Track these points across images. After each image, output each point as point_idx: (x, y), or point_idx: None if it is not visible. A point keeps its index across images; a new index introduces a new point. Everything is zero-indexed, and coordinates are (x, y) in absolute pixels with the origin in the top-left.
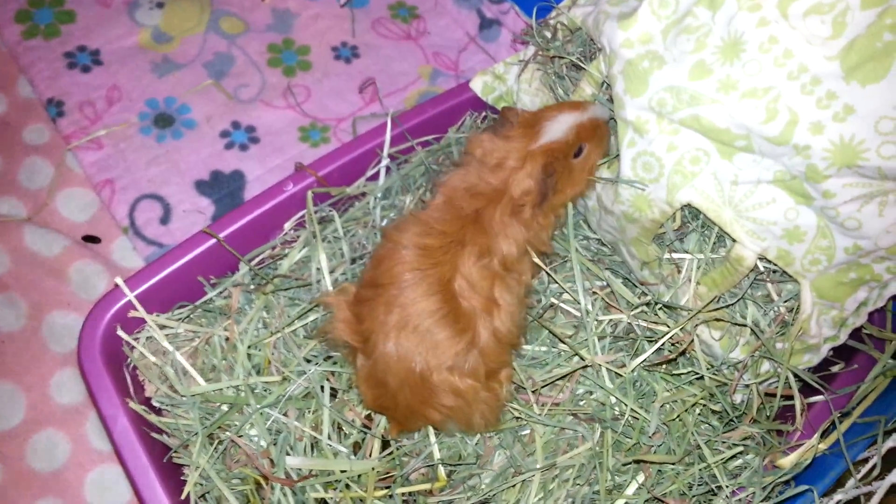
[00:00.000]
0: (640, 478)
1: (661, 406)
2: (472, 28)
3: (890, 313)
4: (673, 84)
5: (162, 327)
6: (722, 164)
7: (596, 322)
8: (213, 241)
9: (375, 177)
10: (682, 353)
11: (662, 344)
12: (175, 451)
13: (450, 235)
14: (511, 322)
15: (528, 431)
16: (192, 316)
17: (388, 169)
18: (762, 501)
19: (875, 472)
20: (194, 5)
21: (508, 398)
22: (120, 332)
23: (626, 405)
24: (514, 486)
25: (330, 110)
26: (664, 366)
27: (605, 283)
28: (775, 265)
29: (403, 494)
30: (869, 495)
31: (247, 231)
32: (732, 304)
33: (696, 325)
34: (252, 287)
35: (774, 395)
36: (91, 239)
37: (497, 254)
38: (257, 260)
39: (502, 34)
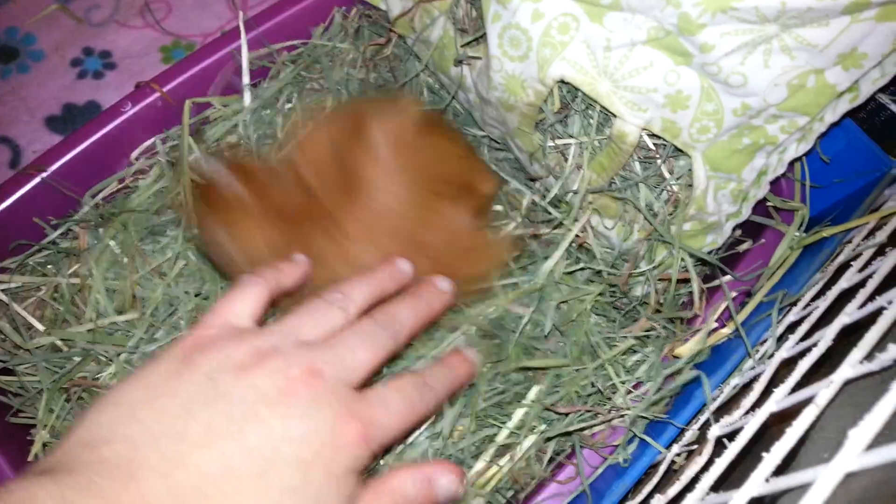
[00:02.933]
0: (536, 389)
1: (558, 306)
2: None
3: (798, 182)
4: None
5: None
6: (592, 29)
7: None
8: (46, 175)
9: (230, 91)
10: (574, 246)
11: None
12: (20, 409)
13: None
14: None
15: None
16: (32, 263)
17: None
18: (657, 393)
19: (770, 352)
20: None
21: None
22: None
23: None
24: None
25: (195, 25)
26: (562, 265)
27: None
28: (662, 139)
29: None
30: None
31: (84, 163)
32: (620, 189)
33: (585, 216)
34: (100, 221)
35: (670, 281)
36: None
37: None
38: (105, 194)
39: None
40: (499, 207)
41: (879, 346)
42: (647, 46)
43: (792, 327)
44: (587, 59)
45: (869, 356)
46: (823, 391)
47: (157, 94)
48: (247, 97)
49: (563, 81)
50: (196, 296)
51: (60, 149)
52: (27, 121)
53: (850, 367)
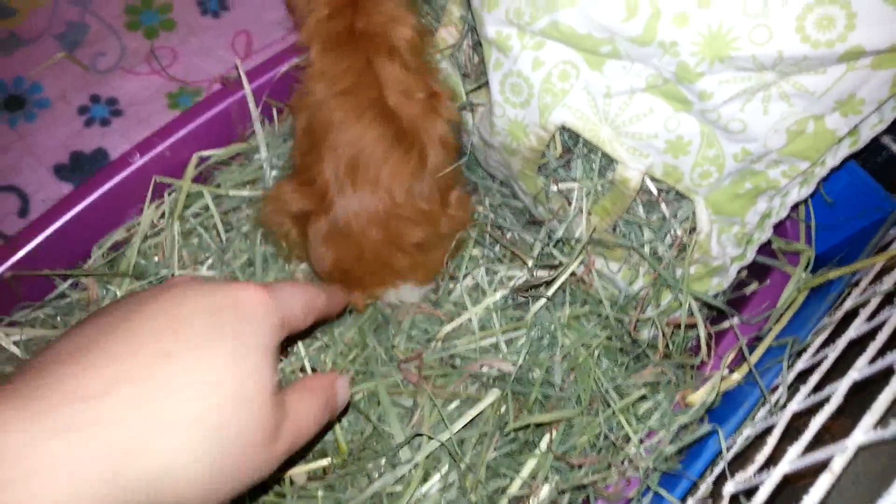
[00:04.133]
0: (547, 437)
1: (564, 357)
2: None
3: (802, 223)
4: None
5: (7, 334)
6: (592, 76)
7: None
8: (55, 227)
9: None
10: (580, 290)
11: (561, 285)
12: None
13: (352, 62)
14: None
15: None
16: (42, 315)
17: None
18: (670, 444)
19: (782, 401)
20: None
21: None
22: None
23: (528, 364)
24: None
25: (200, 71)
26: (566, 309)
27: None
28: (665, 183)
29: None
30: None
31: (93, 214)
32: (631, 246)
33: (589, 258)
34: (108, 272)
35: (679, 326)
36: None
37: (399, 45)
38: (113, 243)
39: None
40: (498, 249)
41: (893, 409)
42: (647, 93)
43: (802, 375)
44: (588, 105)
45: (882, 420)
46: (838, 458)
47: (165, 145)
48: (259, 132)
49: (564, 127)
50: None
51: (70, 200)
52: (35, 169)
53: (863, 433)
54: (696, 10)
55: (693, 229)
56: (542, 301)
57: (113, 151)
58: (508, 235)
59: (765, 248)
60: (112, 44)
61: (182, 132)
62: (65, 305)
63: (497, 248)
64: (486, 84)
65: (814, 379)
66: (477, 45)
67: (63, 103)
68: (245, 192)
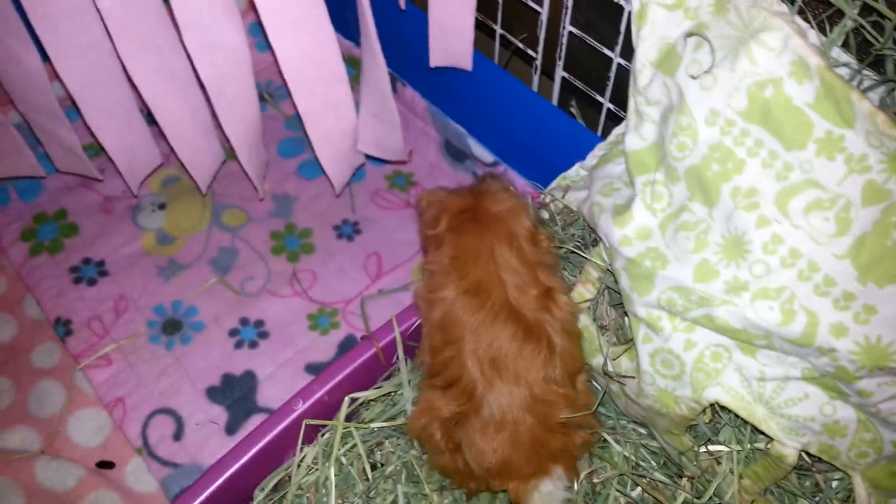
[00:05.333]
0: None
1: None
2: None
3: None
4: (679, 284)
5: None
6: (745, 361)
7: None
8: (222, 479)
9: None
10: None
11: None
12: None
13: (477, 250)
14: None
15: None
16: None
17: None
18: None
19: None
20: (196, 202)
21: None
22: None
23: None
24: None
25: (337, 293)
26: None
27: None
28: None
29: None
30: None
31: (258, 459)
32: None
33: None
34: None
35: None
36: (105, 465)
37: (517, 232)
38: (273, 484)
39: None
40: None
41: None
42: (803, 381)
43: None
44: (741, 386)
45: None
46: None
47: (323, 391)
48: (403, 373)
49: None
50: None
51: (240, 449)
52: (189, 392)
53: None
54: (853, 324)
55: (848, 498)
56: None
57: (260, 373)
58: (648, 479)
59: None
60: (259, 268)
61: (338, 378)
62: None
63: (637, 490)
64: (630, 344)
65: None
66: (617, 305)
67: (215, 326)
68: (389, 424)
